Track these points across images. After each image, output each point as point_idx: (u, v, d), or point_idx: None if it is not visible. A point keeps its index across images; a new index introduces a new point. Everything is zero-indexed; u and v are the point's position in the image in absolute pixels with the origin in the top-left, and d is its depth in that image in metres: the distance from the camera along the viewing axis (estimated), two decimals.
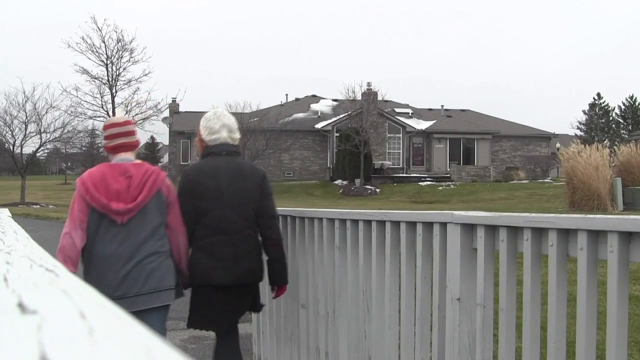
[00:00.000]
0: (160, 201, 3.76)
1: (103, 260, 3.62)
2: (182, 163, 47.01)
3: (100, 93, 33.66)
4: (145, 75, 34.11)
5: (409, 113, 47.36)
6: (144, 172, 3.73)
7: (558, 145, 42.82)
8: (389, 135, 43.68)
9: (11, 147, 32.79)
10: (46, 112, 32.63)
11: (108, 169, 3.71)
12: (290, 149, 43.55)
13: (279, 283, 4.10)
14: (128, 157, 3.80)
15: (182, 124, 46.24)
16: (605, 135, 62.73)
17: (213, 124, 4.08)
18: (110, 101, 33.79)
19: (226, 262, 3.91)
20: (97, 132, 37.89)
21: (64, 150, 39.56)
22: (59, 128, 32.81)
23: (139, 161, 3.85)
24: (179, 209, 3.89)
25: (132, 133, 3.87)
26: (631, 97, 68.83)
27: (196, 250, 3.98)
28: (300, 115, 46.06)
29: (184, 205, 3.95)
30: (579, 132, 66.39)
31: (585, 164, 20.59)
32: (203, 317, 4.03)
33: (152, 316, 3.62)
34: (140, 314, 3.48)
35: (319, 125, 44.20)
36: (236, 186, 3.99)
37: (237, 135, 4.19)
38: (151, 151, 68.13)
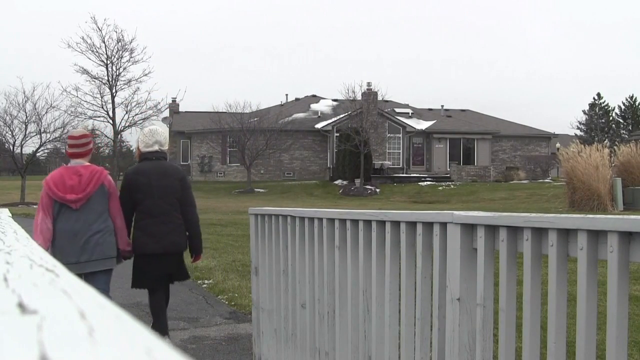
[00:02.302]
0: (103, 192, 5.19)
1: (64, 235, 5.06)
2: (182, 163, 47.02)
3: (100, 93, 33.65)
4: (145, 75, 34.10)
5: (409, 113, 47.37)
6: (91, 172, 5.18)
7: (558, 145, 42.82)
8: (389, 135, 43.69)
9: (11, 147, 32.75)
10: (46, 112, 32.61)
11: (64, 170, 5.21)
12: (290, 149, 43.55)
13: (197, 252, 5.68)
14: (80, 161, 5.27)
15: (182, 124, 46.26)
16: (605, 135, 62.70)
17: (148, 139, 5.57)
18: (110, 101, 33.77)
19: (157, 237, 5.37)
20: (97, 132, 37.86)
21: (64, 150, 39.55)
22: (59, 128, 32.78)
23: (88, 164, 5.29)
24: (117, 199, 5.33)
25: (84, 145, 5.31)
26: (631, 97, 68.85)
27: (135, 230, 5.45)
28: (300, 115, 46.07)
29: (125, 196, 5.42)
30: (579, 132, 66.40)
31: (585, 164, 20.60)
32: (141, 278, 5.48)
33: (99, 277, 5.13)
34: (92, 275, 5.07)
35: (319, 125, 44.21)
36: (162, 182, 5.43)
37: (165, 147, 5.65)
38: None
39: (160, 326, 5.42)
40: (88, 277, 5.05)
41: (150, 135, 5.57)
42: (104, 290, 5.12)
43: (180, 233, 5.47)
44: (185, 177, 5.66)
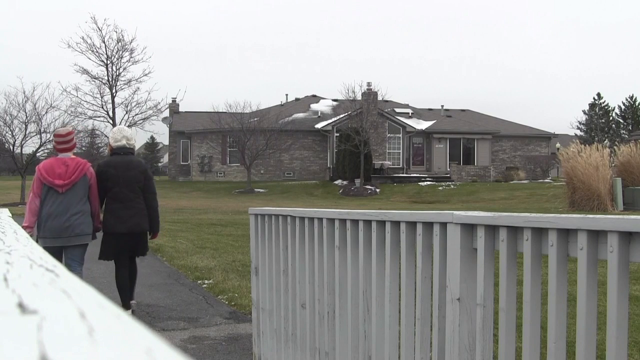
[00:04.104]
0: (85, 181, 6.28)
1: (50, 214, 6.13)
2: (182, 163, 47.02)
3: (100, 93, 33.58)
4: (145, 75, 34.00)
5: (409, 113, 47.36)
6: (76, 163, 6.27)
7: (558, 145, 42.84)
8: (389, 135, 43.68)
9: (11, 147, 32.70)
10: (46, 112, 32.52)
11: (54, 161, 6.29)
12: (290, 149, 43.54)
13: (155, 231, 6.79)
14: (67, 154, 6.33)
15: (182, 124, 46.25)
16: (605, 135, 62.71)
17: (117, 135, 6.68)
18: (110, 101, 33.73)
19: (123, 219, 6.50)
20: (97, 132, 37.86)
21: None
22: (59, 128, 32.70)
23: (74, 156, 6.38)
24: (96, 188, 6.42)
25: (69, 141, 6.36)
26: (631, 97, 68.82)
27: (105, 213, 6.58)
28: (300, 115, 46.06)
29: (98, 185, 6.48)
30: (579, 132, 66.38)
31: (585, 164, 20.59)
32: (107, 252, 6.58)
33: (78, 250, 6.28)
34: (72, 247, 6.20)
35: (319, 125, 44.20)
36: (127, 173, 6.53)
37: (133, 142, 6.76)
38: (151, 151, 67.95)
39: (124, 299, 6.60)
40: (68, 249, 6.24)
41: (118, 132, 6.74)
42: (80, 260, 6.37)
43: (142, 216, 6.59)
44: (147, 170, 6.81)
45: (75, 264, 6.27)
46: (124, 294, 6.62)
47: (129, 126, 33.86)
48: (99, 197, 6.51)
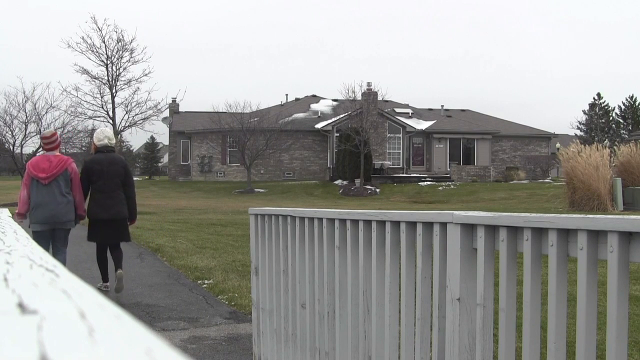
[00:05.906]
0: (67, 175, 7.36)
1: (39, 203, 7.19)
2: (182, 163, 47.00)
3: (100, 93, 33.51)
4: (146, 75, 33.91)
5: (409, 113, 47.35)
6: (59, 159, 7.35)
7: (558, 145, 42.86)
8: (389, 135, 43.68)
9: (11, 147, 32.70)
10: (46, 112, 32.55)
11: (40, 158, 7.43)
12: (290, 149, 43.54)
13: (132, 219, 7.98)
14: (52, 152, 7.41)
15: (182, 124, 46.25)
16: (605, 135, 62.71)
17: (100, 136, 7.84)
18: (110, 101, 33.67)
19: (106, 207, 7.64)
20: None
21: (64, 150, 39.42)
22: (59, 128, 32.66)
23: (58, 154, 7.47)
24: (78, 180, 7.51)
25: (54, 141, 7.49)
26: (631, 97, 68.78)
27: (90, 202, 7.71)
28: (300, 115, 46.05)
29: (84, 178, 7.63)
30: (579, 132, 66.35)
31: (585, 164, 20.60)
32: (94, 236, 7.80)
33: (62, 233, 7.37)
34: (57, 231, 7.30)
35: (319, 125, 44.19)
36: (110, 168, 7.67)
37: (113, 141, 7.93)
38: (151, 151, 67.90)
39: (103, 272, 7.99)
40: (55, 233, 7.29)
41: (101, 133, 7.92)
42: (64, 243, 7.44)
43: (122, 205, 7.75)
44: (127, 165, 8.02)
45: (60, 246, 7.41)
46: (104, 269, 7.98)
47: (128, 126, 33.99)
48: (85, 188, 7.62)
